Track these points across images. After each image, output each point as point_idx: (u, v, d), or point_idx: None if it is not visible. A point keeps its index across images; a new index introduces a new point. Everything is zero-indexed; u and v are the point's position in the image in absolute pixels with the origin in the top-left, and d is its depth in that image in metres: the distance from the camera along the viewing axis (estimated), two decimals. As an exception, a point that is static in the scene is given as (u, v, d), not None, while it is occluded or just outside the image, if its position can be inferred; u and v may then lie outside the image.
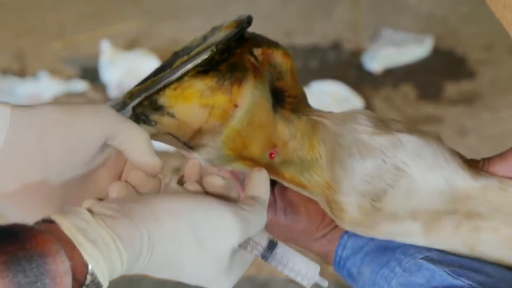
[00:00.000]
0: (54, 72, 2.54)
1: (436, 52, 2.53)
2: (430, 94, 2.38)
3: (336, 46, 2.60)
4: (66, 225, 0.61)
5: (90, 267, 0.60)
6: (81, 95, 2.48)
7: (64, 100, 2.46)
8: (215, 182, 0.71)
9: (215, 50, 0.79)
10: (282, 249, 0.73)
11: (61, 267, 0.59)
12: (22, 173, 0.70)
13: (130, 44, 2.65)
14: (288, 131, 0.82)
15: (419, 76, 2.45)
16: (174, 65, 0.81)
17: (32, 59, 2.63)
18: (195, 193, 0.70)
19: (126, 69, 2.45)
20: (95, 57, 2.54)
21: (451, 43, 2.54)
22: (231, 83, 0.79)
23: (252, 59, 0.82)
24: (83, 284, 0.60)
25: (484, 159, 0.79)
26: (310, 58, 2.54)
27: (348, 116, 0.82)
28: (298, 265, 0.73)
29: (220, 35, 0.83)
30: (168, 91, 0.80)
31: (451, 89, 2.39)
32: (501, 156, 0.78)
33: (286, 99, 0.84)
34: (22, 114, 0.70)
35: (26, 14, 2.83)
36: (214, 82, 0.79)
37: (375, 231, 0.80)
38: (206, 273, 0.68)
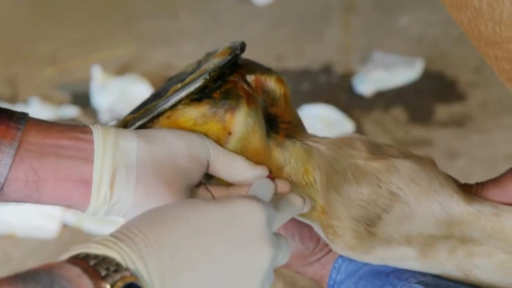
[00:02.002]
0: (46, 98, 2.55)
1: (427, 74, 2.54)
2: (420, 117, 2.39)
3: (327, 69, 2.61)
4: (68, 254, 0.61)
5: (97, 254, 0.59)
6: (72, 120, 2.48)
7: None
8: None
9: (208, 78, 0.80)
10: None
11: (72, 272, 0.58)
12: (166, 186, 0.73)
13: (121, 69, 2.66)
14: (282, 157, 0.82)
15: (410, 99, 2.46)
16: (168, 93, 0.82)
17: (24, 85, 2.63)
18: None
19: (117, 94, 2.45)
20: (87, 83, 2.55)
21: (441, 66, 2.55)
22: (224, 111, 0.80)
23: (246, 86, 0.83)
24: (103, 277, 0.59)
25: (477, 184, 0.80)
26: (301, 81, 2.55)
27: (343, 141, 0.82)
28: None
29: (213, 62, 0.83)
30: (162, 119, 0.81)
31: (442, 111, 2.40)
32: (494, 181, 0.79)
33: (280, 125, 0.85)
34: (146, 135, 0.74)
35: (18, 40, 2.84)
36: (208, 110, 0.80)
37: (369, 255, 0.81)
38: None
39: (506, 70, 0.69)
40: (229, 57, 0.83)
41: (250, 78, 0.84)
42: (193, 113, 0.80)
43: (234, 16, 2.85)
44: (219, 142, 0.81)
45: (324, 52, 2.67)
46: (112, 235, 0.62)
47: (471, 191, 0.79)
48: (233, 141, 0.80)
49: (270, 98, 0.85)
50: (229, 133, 0.80)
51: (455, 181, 0.81)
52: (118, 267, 0.59)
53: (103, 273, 0.58)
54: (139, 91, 2.45)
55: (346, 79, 2.55)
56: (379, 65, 2.52)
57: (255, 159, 0.81)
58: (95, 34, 2.85)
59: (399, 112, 2.42)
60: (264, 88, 0.85)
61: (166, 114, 0.81)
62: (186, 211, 0.65)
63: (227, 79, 0.82)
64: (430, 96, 2.46)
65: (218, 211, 0.66)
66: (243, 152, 0.81)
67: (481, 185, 0.79)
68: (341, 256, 0.84)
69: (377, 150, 0.81)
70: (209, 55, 0.87)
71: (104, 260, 0.59)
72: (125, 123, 0.82)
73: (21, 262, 2.00)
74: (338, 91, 2.51)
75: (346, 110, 2.40)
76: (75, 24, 2.91)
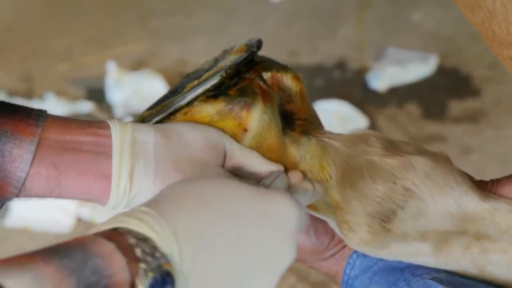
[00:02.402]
0: (61, 93, 2.56)
1: (441, 70, 2.54)
2: (434, 112, 2.39)
3: (340, 65, 2.61)
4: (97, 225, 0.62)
5: (129, 230, 0.60)
6: (88, 115, 2.50)
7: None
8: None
9: (224, 75, 0.81)
10: None
11: (105, 247, 0.58)
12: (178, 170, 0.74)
13: (136, 65, 2.67)
14: (298, 153, 0.83)
15: (424, 95, 2.46)
16: (185, 90, 0.83)
17: (39, 80, 2.65)
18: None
19: (131, 90, 2.46)
20: (101, 78, 2.56)
21: (456, 62, 2.55)
22: (240, 108, 0.81)
23: (262, 83, 0.83)
24: (138, 258, 0.59)
25: (492, 181, 0.80)
26: (315, 77, 2.55)
27: (359, 138, 0.83)
28: None
29: (230, 59, 0.84)
30: (179, 116, 0.81)
31: (456, 107, 2.40)
32: (509, 178, 0.79)
33: (296, 122, 0.85)
34: (163, 129, 0.76)
35: (33, 37, 2.86)
36: (224, 106, 0.81)
37: (384, 251, 0.81)
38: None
39: None
40: (245, 54, 0.83)
41: (266, 75, 0.85)
42: (209, 110, 0.81)
43: (248, 12, 2.86)
44: (235, 138, 0.81)
45: (338, 48, 2.67)
46: (148, 211, 0.62)
47: (485, 188, 0.79)
48: (248, 138, 0.81)
49: (286, 95, 0.85)
50: (245, 130, 0.81)
51: (470, 178, 0.81)
52: (154, 250, 0.60)
53: (139, 253, 0.59)
54: (153, 86, 2.46)
55: (360, 74, 2.55)
56: (393, 61, 2.52)
57: (271, 155, 0.82)
58: (110, 30, 2.86)
59: (413, 108, 2.42)
60: (280, 85, 0.85)
61: (183, 111, 0.81)
62: (224, 193, 0.66)
63: (243, 76, 0.83)
64: (444, 91, 2.46)
65: (255, 200, 0.67)
66: (259, 149, 0.82)
67: (496, 182, 0.79)
68: (355, 252, 0.85)
69: (392, 147, 0.82)
70: (225, 52, 0.88)
71: (140, 240, 0.60)
72: (142, 119, 0.83)
73: (36, 257, 2.01)
74: (352, 87, 2.51)
75: (360, 106, 2.40)
76: (89, 20, 2.93)
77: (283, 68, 0.86)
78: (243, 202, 0.66)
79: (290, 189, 0.78)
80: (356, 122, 2.32)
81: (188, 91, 0.82)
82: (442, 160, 0.81)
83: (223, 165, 0.79)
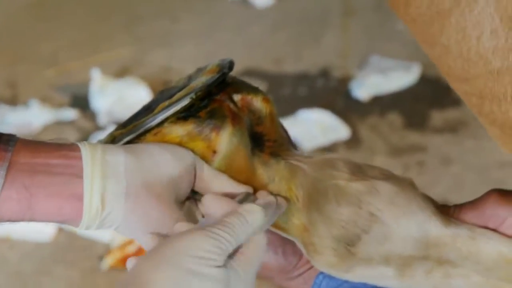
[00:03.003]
0: (45, 100, 2.56)
1: (423, 80, 2.55)
2: (416, 122, 2.40)
3: (324, 74, 2.63)
4: None
5: None
6: (71, 123, 2.50)
7: (54, 129, 2.48)
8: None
9: (194, 97, 0.82)
10: None
11: None
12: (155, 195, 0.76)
13: (121, 72, 2.68)
14: (267, 175, 0.84)
15: (406, 104, 2.47)
16: (155, 110, 0.84)
17: (24, 87, 2.65)
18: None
19: (116, 97, 2.47)
20: (86, 85, 2.57)
21: (438, 71, 2.56)
22: (210, 130, 0.82)
23: (232, 105, 0.84)
24: None
25: (455, 206, 0.81)
26: (299, 85, 2.57)
27: (326, 162, 0.84)
28: None
29: (201, 80, 0.85)
30: (149, 136, 0.82)
31: (437, 117, 2.41)
32: (471, 204, 0.80)
33: (265, 143, 0.86)
34: (132, 149, 0.77)
35: (19, 41, 2.86)
36: (194, 128, 0.82)
37: (349, 274, 0.82)
38: None
39: (476, 104, 0.71)
40: (216, 76, 0.84)
41: (237, 97, 0.86)
42: (179, 131, 0.82)
43: (234, 18, 2.87)
44: (205, 160, 0.82)
45: (322, 56, 2.69)
46: None
47: (448, 213, 0.81)
48: (218, 160, 0.82)
49: (256, 117, 0.87)
50: (214, 152, 0.82)
51: (433, 202, 0.82)
52: None
53: None
54: (137, 94, 2.47)
55: (344, 83, 2.57)
56: (376, 70, 2.53)
57: (240, 177, 0.83)
58: (96, 36, 2.87)
59: (395, 117, 2.43)
60: (250, 107, 0.86)
61: (153, 131, 0.82)
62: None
63: (214, 98, 0.84)
64: (426, 101, 2.47)
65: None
66: (228, 171, 0.83)
67: (458, 207, 0.80)
68: (322, 272, 0.86)
69: (358, 171, 0.83)
70: (199, 71, 0.89)
71: None
72: (112, 138, 0.84)
73: (17, 265, 2.02)
74: (335, 96, 2.52)
75: (343, 115, 2.41)
76: (76, 25, 2.93)
77: (253, 90, 0.87)
78: None
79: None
80: (338, 131, 2.34)
81: (159, 112, 0.83)
82: (407, 185, 0.82)
83: (193, 186, 0.81)
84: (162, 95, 0.89)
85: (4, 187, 0.72)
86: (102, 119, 2.46)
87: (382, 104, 2.48)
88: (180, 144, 0.82)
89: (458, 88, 0.71)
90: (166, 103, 0.83)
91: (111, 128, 2.34)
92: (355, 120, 2.41)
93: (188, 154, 0.80)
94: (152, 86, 2.52)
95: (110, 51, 2.77)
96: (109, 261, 1.98)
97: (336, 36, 2.77)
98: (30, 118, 2.46)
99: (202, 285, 0.69)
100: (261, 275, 0.88)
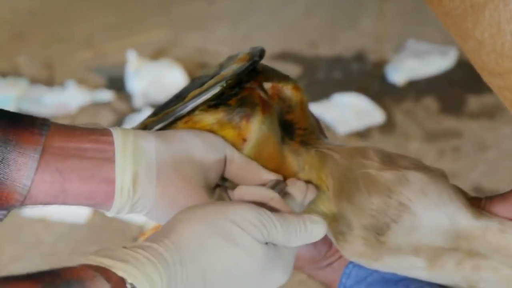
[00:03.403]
0: (81, 81, 2.58)
1: (460, 64, 2.53)
2: (452, 107, 2.38)
3: (360, 57, 2.61)
4: (92, 257, 0.65)
5: (127, 283, 0.64)
6: (106, 104, 2.52)
7: (90, 110, 2.50)
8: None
9: (225, 85, 0.82)
10: None
11: None
12: (185, 179, 0.77)
13: (156, 54, 2.68)
14: (297, 163, 0.84)
15: (442, 89, 2.45)
16: (186, 98, 0.84)
17: (60, 68, 2.67)
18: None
19: (151, 79, 2.48)
20: (122, 67, 2.58)
21: (475, 56, 2.54)
22: (240, 118, 0.82)
23: (262, 93, 0.84)
24: None
25: (486, 198, 0.81)
26: (334, 69, 2.56)
27: (357, 151, 0.84)
28: None
29: (232, 68, 0.85)
30: (180, 124, 0.83)
31: (473, 102, 2.39)
32: (502, 196, 0.80)
33: (296, 131, 0.86)
34: (163, 134, 0.78)
35: (55, 23, 2.88)
36: (224, 116, 0.82)
37: (378, 263, 0.82)
38: (246, 267, 0.70)
39: (509, 99, 0.71)
40: (247, 64, 0.84)
41: (267, 85, 0.86)
42: (209, 119, 0.82)
43: (269, 1, 2.86)
44: (235, 147, 0.83)
45: (357, 39, 2.67)
46: (153, 258, 0.66)
47: (479, 205, 0.80)
48: (248, 148, 0.83)
49: (286, 105, 0.87)
50: (244, 140, 0.82)
51: (464, 194, 0.82)
52: None
53: None
54: (173, 76, 2.47)
55: (379, 67, 2.55)
56: (413, 54, 2.51)
57: (270, 165, 0.83)
58: (131, 18, 2.87)
59: (430, 102, 2.41)
60: (280, 95, 0.86)
61: (184, 119, 0.83)
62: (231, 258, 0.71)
63: (244, 86, 0.84)
64: (462, 86, 2.45)
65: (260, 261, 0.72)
66: (258, 159, 0.83)
67: (489, 200, 0.80)
68: (351, 262, 0.86)
69: (389, 161, 0.82)
70: (230, 59, 0.89)
71: None
72: (144, 126, 0.85)
73: (52, 246, 2.04)
74: (370, 80, 2.51)
75: (377, 99, 2.40)
76: (111, 7, 2.94)
77: (284, 78, 0.87)
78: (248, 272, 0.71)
79: (283, 195, 0.80)
80: (373, 116, 2.32)
81: (190, 100, 0.83)
82: (438, 175, 0.82)
83: (223, 172, 0.81)
84: (194, 84, 0.89)
85: (38, 171, 0.73)
86: (137, 101, 2.47)
87: (418, 88, 2.46)
88: (210, 131, 0.82)
89: (491, 82, 0.71)
90: (197, 91, 0.84)
91: (146, 110, 2.35)
92: (390, 105, 2.40)
93: (219, 141, 0.80)
94: (187, 68, 2.52)
95: (145, 33, 2.78)
96: (142, 242, 2.00)
97: (372, 20, 2.76)
98: (66, 99, 2.48)
99: (232, 253, 0.70)
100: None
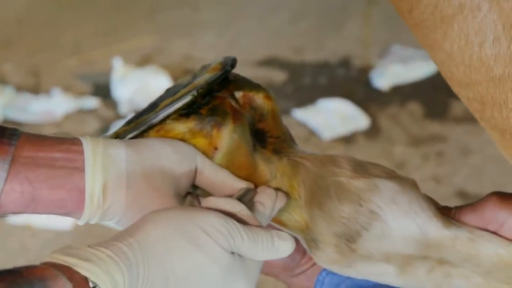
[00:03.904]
0: (67, 89, 2.58)
1: (445, 69, 2.53)
2: (436, 112, 2.39)
3: (345, 63, 2.62)
4: (55, 255, 0.66)
5: (90, 282, 0.64)
6: (92, 111, 2.52)
7: (76, 117, 2.50)
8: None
9: (196, 94, 0.83)
10: None
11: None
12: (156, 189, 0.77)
13: (143, 61, 2.69)
14: (269, 171, 0.84)
15: (426, 94, 2.46)
16: (158, 108, 0.84)
17: (47, 75, 2.67)
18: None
19: (137, 86, 2.48)
20: (108, 74, 2.58)
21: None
22: (211, 127, 0.82)
23: (233, 102, 0.85)
24: None
25: (456, 208, 0.81)
26: (319, 75, 2.56)
27: (328, 159, 0.84)
28: None
29: (204, 77, 0.86)
30: (151, 133, 0.83)
31: (458, 107, 2.40)
32: (471, 206, 0.80)
33: (268, 140, 0.87)
34: (134, 143, 0.79)
35: (42, 31, 2.88)
36: (195, 125, 0.82)
37: (351, 269, 0.83)
38: (209, 274, 0.71)
39: (477, 109, 0.71)
40: (218, 74, 0.85)
41: (239, 94, 0.86)
42: (181, 128, 0.83)
43: (255, 7, 2.87)
44: (206, 156, 0.83)
45: (343, 45, 2.68)
46: (116, 258, 0.66)
47: (449, 214, 0.81)
48: (219, 156, 0.83)
49: (258, 114, 0.87)
50: (215, 148, 0.83)
51: (435, 203, 0.82)
52: None
53: None
54: (159, 83, 2.47)
55: (364, 73, 2.56)
56: (397, 59, 2.52)
57: (241, 173, 0.84)
58: (118, 25, 2.88)
59: (415, 107, 2.42)
60: (252, 104, 0.87)
61: (156, 128, 0.83)
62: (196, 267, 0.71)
63: (216, 95, 0.84)
64: (446, 91, 2.45)
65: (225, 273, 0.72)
66: (229, 167, 0.83)
67: (459, 209, 0.81)
68: (325, 269, 0.86)
69: (361, 169, 0.83)
70: (203, 68, 0.89)
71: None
72: (116, 136, 0.85)
73: (37, 253, 2.04)
74: (355, 85, 2.51)
75: (363, 105, 2.41)
76: (98, 14, 2.94)
77: (255, 87, 0.88)
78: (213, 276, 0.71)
79: (252, 204, 0.80)
80: (358, 121, 2.33)
81: (161, 109, 0.84)
82: (409, 185, 0.82)
83: (194, 180, 0.81)
84: (168, 93, 0.89)
85: (8, 180, 0.74)
86: (123, 107, 2.48)
87: (403, 93, 2.47)
88: (182, 140, 0.83)
89: (460, 93, 0.71)
90: (169, 100, 0.84)
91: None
92: (375, 110, 2.40)
93: (190, 149, 0.81)
94: (173, 75, 2.53)
95: (132, 40, 2.79)
96: (127, 250, 2.00)
97: (358, 25, 2.76)
98: (52, 106, 2.48)
99: (197, 258, 0.70)
100: (266, 272, 0.88)
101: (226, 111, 0.83)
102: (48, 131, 0.80)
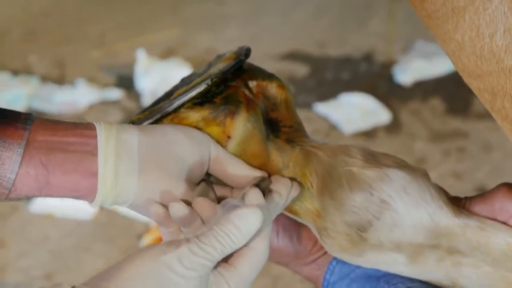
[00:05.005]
0: (92, 80, 2.60)
1: (468, 65, 2.52)
2: (458, 108, 2.38)
3: (368, 58, 2.61)
4: None
5: None
6: (115, 103, 2.53)
7: (99, 108, 2.51)
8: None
9: (210, 83, 0.83)
10: None
11: None
12: (166, 175, 0.77)
13: (166, 53, 2.70)
14: (281, 160, 0.85)
15: (449, 89, 2.45)
16: (172, 96, 0.85)
17: (71, 66, 2.69)
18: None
19: (160, 78, 2.49)
20: (132, 66, 2.59)
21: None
22: (224, 115, 0.83)
23: (247, 92, 0.85)
24: None
25: (466, 198, 0.82)
26: (342, 69, 2.56)
27: (340, 149, 0.85)
28: None
29: (219, 67, 0.86)
30: (165, 121, 0.84)
31: (479, 103, 2.39)
32: (482, 196, 0.81)
33: (281, 129, 0.87)
34: (147, 128, 0.79)
35: (67, 23, 2.90)
36: (209, 114, 0.83)
37: (361, 258, 0.83)
38: None
39: (488, 100, 0.72)
40: (232, 63, 0.85)
41: (252, 83, 0.87)
42: (194, 117, 0.83)
43: (279, 2, 2.87)
44: (220, 145, 0.84)
45: (366, 40, 2.67)
46: None
47: (459, 204, 0.81)
48: (232, 145, 0.83)
49: (271, 103, 0.87)
50: (229, 137, 0.83)
51: (445, 193, 0.82)
52: None
53: None
54: (182, 75, 2.48)
55: (387, 68, 2.55)
56: (420, 54, 2.51)
57: (254, 162, 0.84)
58: (142, 18, 2.89)
59: (437, 103, 2.41)
60: (265, 93, 0.87)
61: (170, 117, 0.84)
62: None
63: (230, 84, 0.85)
64: (468, 87, 2.45)
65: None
66: (242, 156, 0.84)
67: (469, 199, 0.81)
68: (335, 258, 0.87)
69: (372, 159, 0.83)
70: (218, 58, 0.90)
71: None
72: (131, 123, 0.86)
73: (58, 242, 2.06)
74: (377, 80, 2.51)
75: (384, 99, 2.40)
76: (123, 7, 2.96)
77: (268, 76, 0.88)
78: None
79: (269, 192, 0.80)
80: (379, 116, 2.33)
81: (176, 97, 0.84)
82: (420, 175, 0.82)
83: (207, 168, 0.82)
84: (183, 82, 0.90)
85: (22, 164, 0.75)
86: (146, 99, 2.49)
87: (425, 89, 2.46)
88: (196, 129, 0.83)
89: (471, 84, 0.72)
90: (183, 89, 0.85)
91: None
92: (396, 105, 2.40)
93: (203, 137, 0.81)
94: (196, 67, 2.53)
95: (156, 33, 2.80)
96: (147, 239, 2.01)
97: (381, 21, 2.76)
98: (76, 97, 2.50)
99: None
100: (277, 261, 0.89)
101: (240, 100, 0.84)
102: (83, 119, 0.82)
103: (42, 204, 2.09)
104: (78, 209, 2.07)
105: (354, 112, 2.29)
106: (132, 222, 2.07)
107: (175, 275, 0.69)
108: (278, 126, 0.87)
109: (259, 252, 0.74)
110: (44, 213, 2.11)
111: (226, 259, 0.73)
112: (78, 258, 2.01)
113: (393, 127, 2.33)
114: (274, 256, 0.89)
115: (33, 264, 2.00)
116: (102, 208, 2.07)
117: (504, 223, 0.79)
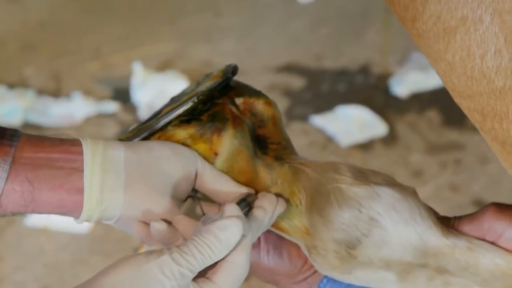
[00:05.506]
0: (88, 92, 2.60)
1: (464, 76, 2.52)
2: (454, 120, 2.38)
3: (364, 70, 2.62)
4: None
5: None
6: (112, 115, 2.53)
7: (95, 121, 2.51)
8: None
9: (196, 101, 0.83)
10: None
11: None
12: (154, 191, 0.78)
13: (163, 66, 2.70)
14: (270, 177, 0.84)
15: (445, 101, 2.45)
16: (160, 114, 0.85)
17: (67, 79, 2.69)
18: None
19: (157, 90, 2.49)
20: (128, 78, 2.60)
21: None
22: (211, 132, 0.83)
23: (234, 109, 0.85)
24: None
25: (455, 218, 0.82)
26: (338, 81, 2.56)
27: (329, 166, 0.84)
28: None
29: (206, 84, 0.86)
30: (153, 139, 0.84)
31: (476, 115, 2.39)
32: (470, 217, 0.81)
33: (269, 146, 0.87)
34: (133, 145, 0.79)
35: (64, 35, 2.90)
36: (196, 131, 0.83)
37: (351, 276, 0.83)
38: None
39: (478, 120, 0.71)
40: (219, 80, 0.86)
41: (239, 100, 0.87)
42: (182, 134, 0.83)
43: (276, 14, 2.87)
44: (207, 161, 0.83)
45: (363, 52, 2.68)
46: None
47: (448, 224, 0.81)
48: (219, 161, 0.83)
49: (258, 120, 0.87)
50: (216, 154, 0.83)
51: (435, 213, 0.82)
52: None
53: None
54: (178, 88, 2.48)
55: (383, 80, 2.55)
56: (416, 66, 2.51)
57: (242, 178, 0.84)
58: (138, 30, 2.89)
59: (433, 115, 2.41)
60: (252, 110, 0.87)
61: (157, 135, 0.84)
62: None
63: (216, 101, 0.85)
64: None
65: None
66: (230, 172, 0.84)
67: (458, 219, 0.81)
68: (326, 276, 0.86)
69: (361, 176, 0.83)
70: (206, 77, 0.90)
71: None
72: (119, 142, 0.85)
73: (54, 256, 2.06)
74: (374, 92, 2.51)
75: (381, 112, 2.40)
76: (119, 19, 2.96)
77: (255, 93, 0.88)
78: None
79: (254, 208, 0.80)
80: (376, 128, 2.32)
81: (163, 115, 0.84)
82: (410, 193, 0.82)
83: (194, 184, 0.82)
84: (172, 101, 0.90)
85: (8, 181, 0.74)
86: (143, 112, 2.49)
87: (421, 101, 2.46)
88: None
89: (461, 103, 0.72)
90: (170, 107, 0.85)
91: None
92: (393, 117, 2.40)
93: (190, 153, 0.81)
94: (193, 80, 2.54)
95: (152, 45, 2.80)
96: (142, 254, 2.01)
97: (377, 33, 2.76)
98: (72, 110, 2.50)
99: None
100: (267, 280, 0.89)
101: (226, 117, 0.84)
102: (68, 135, 0.82)
103: (38, 218, 2.08)
104: (74, 223, 2.06)
105: (350, 124, 2.29)
106: (128, 235, 2.07)
107: (156, 283, 0.69)
108: (266, 143, 0.87)
109: (239, 266, 0.73)
110: (40, 226, 2.11)
111: (205, 274, 0.73)
112: (73, 271, 2.01)
113: (390, 139, 2.33)
114: (265, 275, 0.88)
115: (29, 277, 2.00)
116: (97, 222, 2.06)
117: (492, 243, 0.79)
